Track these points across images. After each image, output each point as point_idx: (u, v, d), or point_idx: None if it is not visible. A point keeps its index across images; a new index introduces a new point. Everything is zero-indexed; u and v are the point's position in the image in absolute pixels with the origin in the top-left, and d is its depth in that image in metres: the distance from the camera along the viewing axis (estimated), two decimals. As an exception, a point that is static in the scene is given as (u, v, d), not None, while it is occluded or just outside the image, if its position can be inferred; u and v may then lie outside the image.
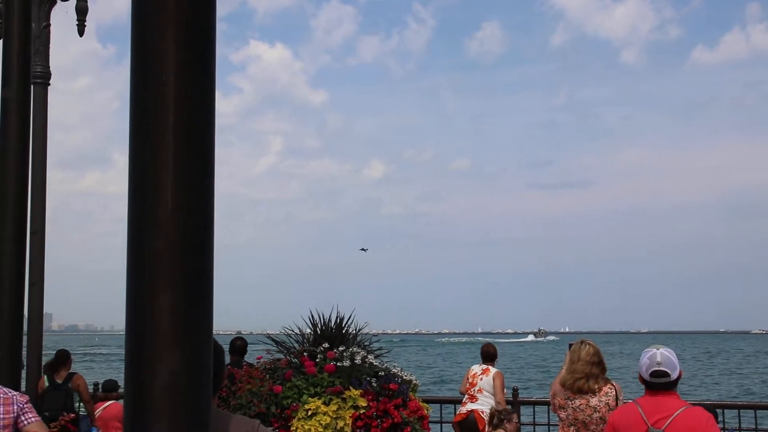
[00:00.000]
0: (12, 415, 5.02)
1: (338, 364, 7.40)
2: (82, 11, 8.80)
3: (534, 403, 11.46)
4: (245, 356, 10.43)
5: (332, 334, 7.85)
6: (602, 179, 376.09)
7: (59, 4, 8.42)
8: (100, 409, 10.55)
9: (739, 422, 10.41)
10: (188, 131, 1.70)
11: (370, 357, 7.73)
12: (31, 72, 5.81)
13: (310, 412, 7.09)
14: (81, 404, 10.48)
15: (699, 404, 5.32)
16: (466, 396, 10.18)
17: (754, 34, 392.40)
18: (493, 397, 9.98)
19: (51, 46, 8.55)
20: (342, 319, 7.98)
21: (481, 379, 10.12)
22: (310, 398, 7.18)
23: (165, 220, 1.68)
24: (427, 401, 8.61)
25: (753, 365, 66.77)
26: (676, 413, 4.59)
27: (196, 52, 1.72)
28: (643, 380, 4.82)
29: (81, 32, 8.85)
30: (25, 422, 5.05)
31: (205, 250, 1.73)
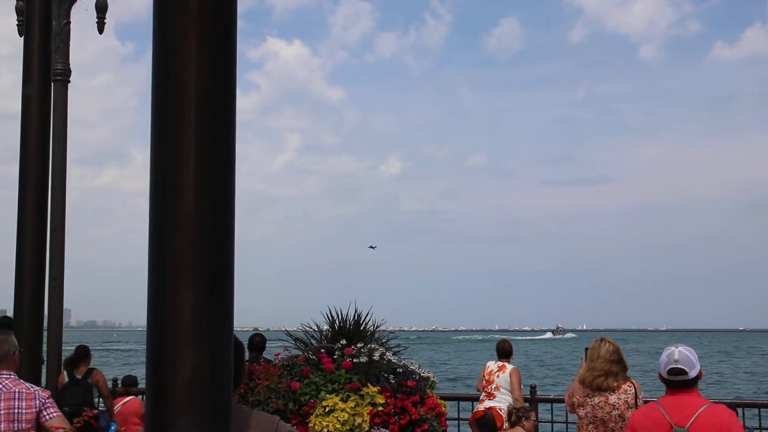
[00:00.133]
0: (34, 410, 5.07)
1: (356, 360, 7.41)
2: (101, 8, 8.86)
3: (552, 401, 11.43)
4: (263, 353, 10.47)
5: (350, 331, 7.85)
6: (621, 175, 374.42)
7: (79, 2, 8.48)
8: (120, 404, 10.61)
9: (760, 421, 10.33)
10: (209, 129, 1.71)
11: (388, 354, 7.73)
12: (51, 69, 5.85)
13: (327, 409, 7.10)
14: (100, 399, 10.54)
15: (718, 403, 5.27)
16: (483, 393, 10.15)
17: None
18: (510, 394, 9.95)
19: (70, 43, 8.61)
20: (360, 316, 7.98)
21: (498, 376, 10.09)
22: (327, 395, 7.19)
23: (186, 219, 1.68)
24: (445, 398, 8.60)
25: (772, 364, 66.25)
26: (699, 411, 4.54)
27: (218, 50, 1.73)
28: (662, 378, 4.78)
29: (101, 29, 8.91)
30: (47, 417, 5.10)
31: (226, 248, 1.74)
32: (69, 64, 8.58)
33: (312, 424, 7.07)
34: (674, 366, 4.67)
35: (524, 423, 8.14)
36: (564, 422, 10.68)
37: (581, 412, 6.51)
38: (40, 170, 5.44)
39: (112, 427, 10.01)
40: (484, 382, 10.21)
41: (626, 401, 6.38)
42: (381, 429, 7.16)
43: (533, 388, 11.23)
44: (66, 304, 8.83)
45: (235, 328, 1.80)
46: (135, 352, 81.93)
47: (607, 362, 6.46)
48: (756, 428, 10.25)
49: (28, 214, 5.39)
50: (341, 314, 7.99)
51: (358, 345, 7.54)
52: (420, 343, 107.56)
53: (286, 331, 8.52)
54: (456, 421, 10.95)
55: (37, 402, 5.10)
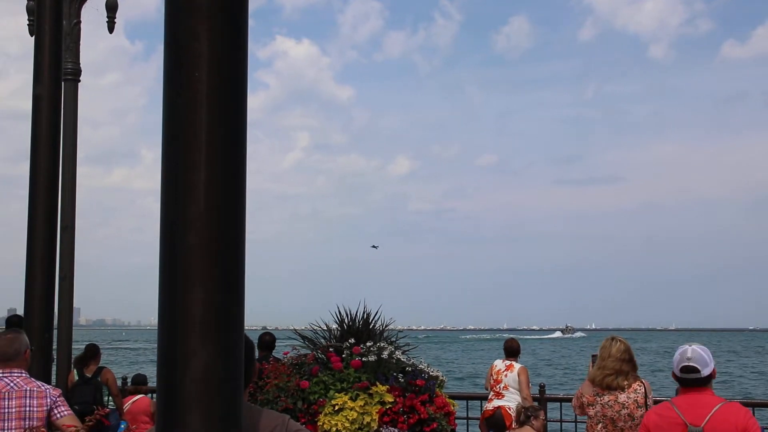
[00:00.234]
0: (45, 408, 5.10)
1: (365, 359, 7.42)
2: (112, 8, 8.88)
3: (561, 400, 11.42)
4: (273, 351, 10.49)
5: (359, 330, 7.86)
6: (629, 175, 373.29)
7: (89, 1, 8.50)
8: (129, 402, 10.64)
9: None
10: (221, 128, 1.71)
11: (397, 353, 7.74)
12: (62, 69, 5.86)
13: (336, 408, 7.11)
14: (110, 398, 10.57)
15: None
16: (492, 392, 10.14)
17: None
18: (519, 393, 9.94)
19: (81, 42, 8.64)
20: (369, 315, 7.99)
21: (506, 375, 10.08)
22: (336, 394, 7.20)
23: (198, 217, 1.69)
24: (454, 397, 8.60)
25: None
26: (714, 409, 4.51)
27: (229, 49, 1.73)
28: (675, 376, 4.75)
29: (111, 29, 8.94)
30: (58, 415, 5.12)
31: (237, 247, 1.74)
32: (79, 64, 8.61)
33: (321, 423, 7.08)
34: (687, 364, 4.64)
35: (533, 422, 8.13)
36: (573, 421, 10.66)
37: (591, 412, 6.50)
38: (50, 169, 5.46)
39: (122, 426, 10.04)
40: (492, 381, 10.20)
41: (636, 400, 6.37)
42: (390, 428, 7.17)
43: (542, 387, 11.22)
44: (75, 303, 8.85)
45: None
46: (144, 351, 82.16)
47: (618, 361, 6.45)
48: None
49: (38, 212, 5.41)
50: (350, 313, 8.00)
51: (367, 344, 7.55)
52: (428, 342, 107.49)
53: (294, 330, 8.53)
54: (465, 420, 10.96)
55: (49, 400, 5.12)
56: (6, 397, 5.04)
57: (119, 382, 11.32)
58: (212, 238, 1.69)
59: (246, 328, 1.85)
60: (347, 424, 7.02)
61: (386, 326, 8.10)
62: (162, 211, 1.73)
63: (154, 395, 10.49)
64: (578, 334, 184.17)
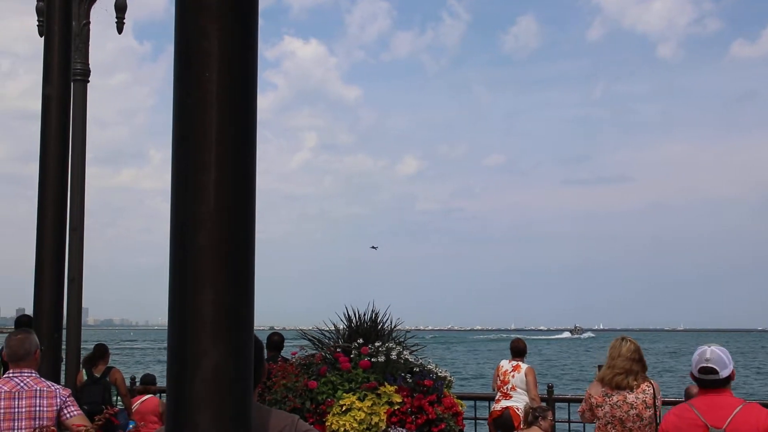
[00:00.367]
0: (55, 408, 5.11)
1: (373, 359, 7.42)
2: (121, 9, 8.91)
3: (569, 401, 11.39)
4: (281, 352, 10.50)
5: (367, 330, 7.86)
6: (637, 175, 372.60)
7: (99, 2, 8.52)
8: (138, 402, 10.65)
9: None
10: (231, 128, 1.71)
11: (405, 353, 7.73)
12: (71, 69, 5.88)
13: (344, 408, 7.11)
14: (118, 398, 10.59)
15: None
16: (499, 393, 10.12)
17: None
18: (526, 393, 9.91)
19: (89, 43, 8.66)
20: (377, 315, 7.99)
21: (513, 376, 10.05)
22: (344, 394, 7.20)
23: (208, 218, 1.69)
24: (462, 398, 8.59)
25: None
26: (735, 411, 4.44)
27: (239, 49, 1.73)
28: (693, 377, 4.69)
29: (120, 29, 8.96)
30: (68, 415, 5.13)
31: (247, 247, 1.74)
32: (88, 64, 8.63)
33: (329, 423, 7.08)
34: (705, 365, 4.57)
35: (541, 423, 8.12)
36: (581, 422, 10.63)
37: (600, 413, 6.47)
38: (59, 170, 5.47)
39: (131, 425, 10.06)
40: (499, 381, 10.17)
41: (644, 401, 6.35)
42: (398, 428, 7.17)
43: (550, 388, 11.19)
44: (84, 303, 8.87)
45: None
46: (151, 351, 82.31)
47: (628, 360, 6.43)
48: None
49: (47, 213, 5.42)
50: (358, 313, 8.00)
51: (376, 344, 7.55)
52: (436, 343, 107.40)
53: (301, 330, 8.54)
54: (473, 421, 10.94)
55: (58, 400, 5.14)
56: (16, 396, 5.05)
57: (128, 382, 11.34)
58: (222, 238, 1.69)
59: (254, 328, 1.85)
60: (355, 425, 7.02)
61: (394, 326, 8.10)
62: (172, 211, 1.73)
63: (163, 395, 10.53)
64: (587, 334, 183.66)
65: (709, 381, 4.59)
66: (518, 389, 9.96)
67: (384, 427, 7.12)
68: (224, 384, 1.68)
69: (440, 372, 7.85)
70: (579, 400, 8.01)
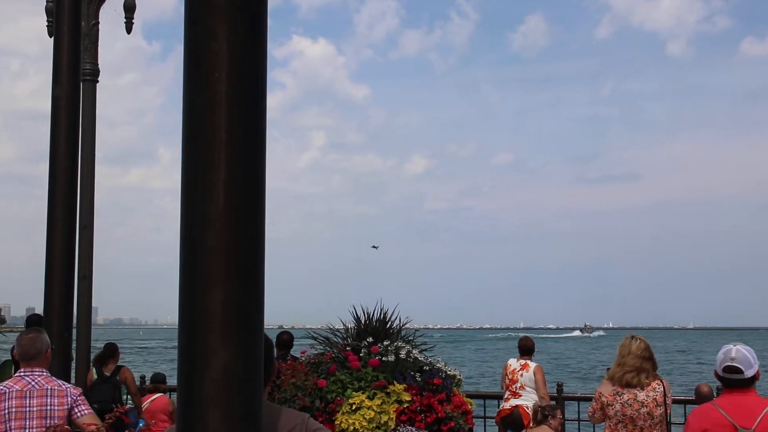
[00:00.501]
0: (66, 407, 5.13)
1: (382, 358, 7.42)
2: (130, 9, 8.93)
3: (579, 399, 11.37)
4: (290, 350, 10.51)
5: (376, 329, 7.87)
6: (647, 173, 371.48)
7: (108, 2, 8.55)
8: (148, 401, 10.69)
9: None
10: (240, 127, 1.71)
11: (415, 352, 7.74)
12: (80, 69, 5.89)
13: (354, 407, 7.12)
14: (128, 396, 10.62)
15: None
16: (508, 392, 10.10)
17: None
18: (535, 392, 9.89)
19: (98, 43, 8.69)
20: (386, 314, 7.99)
21: (522, 374, 10.02)
22: (354, 392, 7.21)
23: (217, 218, 1.69)
24: (471, 396, 8.59)
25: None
26: (764, 411, 4.35)
27: (248, 49, 1.73)
28: (717, 376, 4.63)
29: (129, 29, 8.98)
30: (79, 414, 5.15)
31: (257, 247, 1.74)
32: (97, 64, 8.66)
33: (338, 422, 7.09)
34: (730, 364, 4.52)
35: (550, 421, 8.10)
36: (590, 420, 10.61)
37: (610, 412, 6.44)
38: (69, 169, 5.49)
39: (140, 424, 10.09)
40: (507, 380, 10.14)
41: (655, 399, 6.33)
42: (407, 426, 7.17)
43: (560, 386, 11.17)
44: (93, 302, 8.90)
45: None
46: (161, 350, 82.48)
47: (638, 358, 6.42)
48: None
49: (57, 212, 5.44)
50: (367, 312, 8.01)
51: (385, 343, 7.55)
52: (444, 341, 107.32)
53: (310, 329, 8.56)
54: (482, 419, 10.93)
55: (69, 399, 5.16)
56: (28, 395, 5.08)
57: (137, 381, 11.37)
58: (232, 238, 1.69)
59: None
60: (364, 423, 7.03)
61: (403, 325, 8.10)
62: (182, 211, 1.73)
63: (173, 394, 10.56)
64: (597, 333, 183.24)
65: (733, 380, 4.52)
66: (527, 388, 9.95)
67: (393, 426, 7.13)
68: (234, 384, 1.68)
69: (449, 370, 7.84)
70: (589, 399, 8.01)
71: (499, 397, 10.68)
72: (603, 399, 6.52)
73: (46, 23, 8.61)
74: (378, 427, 7.08)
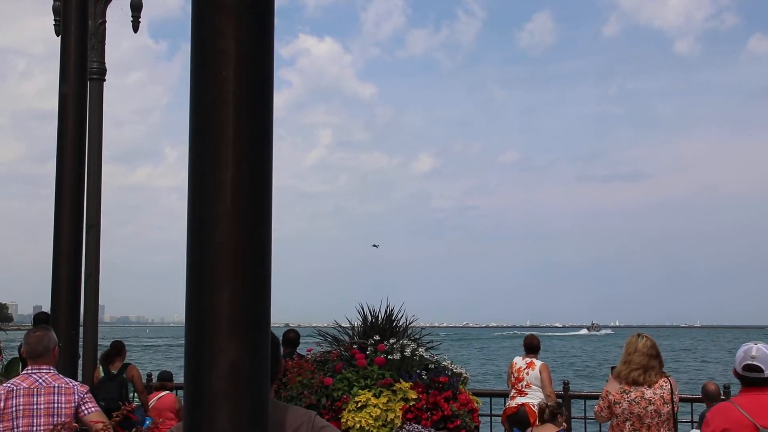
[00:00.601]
0: (73, 405, 5.15)
1: (389, 356, 7.42)
2: (136, 7, 8.95)
3: (585, 397, 11.36)
4: (297, 348, 10.52)
5: (383, 327, 7.87)
6: (654, 171, 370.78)
7: (114, 1, 8.57)
8: (154, 399, 10.71)
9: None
10: (247, 127, 1.72)
11: (421, 350, 7.74)
12: (87, 68, 5.90)
13: (360, 404, 7.13)
14: (135, 394, 10.65)
15: None
16: (514, 390, 10.09)
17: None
18: (541, 390, 9.88)
19: (105, 42, 8.71)
20: (392, 312, 8.00)
21: (527, 373, 10.01)
22: (360, 390, 7.21)
23: (224, 216, 1.69)
24: (477, 394, 8.60)
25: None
26: None
27: (255, 47, 1.74)
28: (737, 374, 4.59)
29: (135, 28, 9.00)
30: (86, 411, 5.17)
31: (264, 245, 1.74)
32: (104, 63, 8.68)
33: (344, 420, 7.09)
34: (750, 362, 4.49)
35: (557, 419, 8.11)
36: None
37: (618, 410, 6.44)
38: (76, 168, 5.50)
39: (147, 422, 10.11)
40: (513, 378, 10.13)
41: (662, 396, 6.33)
42: (413, 424, 7.17)
43: (566, 384, 11.16)
44: (100, 300, 8.93)
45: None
46: (167, 348, 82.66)
47: (645, 356, 6.41)
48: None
49: (64, 211, 5.45)
50: (373, 310, 8.01)
51: (391, 341, 7.56)
52: (451, 339, 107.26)
53: (316, 327, 8.57)
54: (488, 417, 10.94)
55: (76, 397, 5.18)
56: (35, 393, 5.10)
57: (144, 379, 11.40)
58: (239, 236, 1.69)
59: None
60: (371, 421, 7.03)
61: (409, 323, 8.10)
62: (189, 209, 1.73)
63: (179, 392, 10.58)
64: (604, 331, 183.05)
65: (753, 379, 4.49)
66: (533, 386, 9.93)
67: (399, 424, 7.13)
68: (241, 382, 1.69)
69: (455, 368, 7.84)
70: (595, 397, 8.00)
71: (505, 396, 10.67)
72: (610, 397, 6.50)
73: (53, 22, 8.62)
74: (384, 425, 7.08)
